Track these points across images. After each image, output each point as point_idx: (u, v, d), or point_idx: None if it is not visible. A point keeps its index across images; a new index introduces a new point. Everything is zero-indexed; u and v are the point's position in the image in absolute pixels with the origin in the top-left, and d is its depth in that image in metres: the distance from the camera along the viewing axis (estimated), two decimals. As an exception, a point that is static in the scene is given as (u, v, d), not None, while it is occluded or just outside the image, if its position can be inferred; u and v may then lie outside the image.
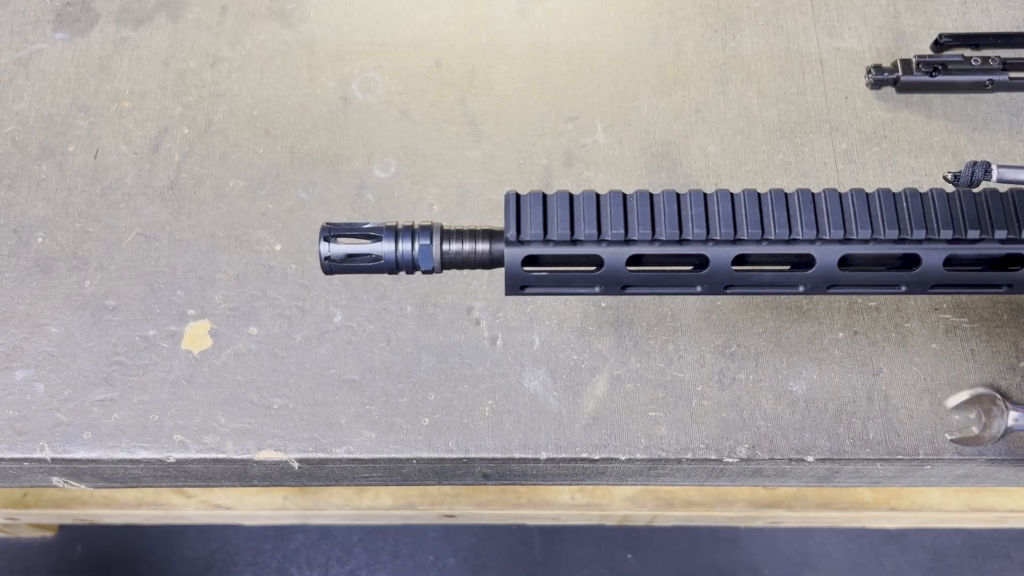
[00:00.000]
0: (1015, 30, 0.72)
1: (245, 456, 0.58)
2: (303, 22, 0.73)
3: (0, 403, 0.59)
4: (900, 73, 0.68)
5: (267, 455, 0.58)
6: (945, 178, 0.48)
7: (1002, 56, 0.68)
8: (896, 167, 0.67)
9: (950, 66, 0.68)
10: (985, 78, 0.68)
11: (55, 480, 0.61)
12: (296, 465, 0.58)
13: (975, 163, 0.46)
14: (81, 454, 0.58)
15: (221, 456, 0.58)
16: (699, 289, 0.39)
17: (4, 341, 0.61)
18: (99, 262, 0.63)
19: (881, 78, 0.68)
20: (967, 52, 0.69)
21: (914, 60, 0.68)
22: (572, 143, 0.68)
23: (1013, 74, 0.68)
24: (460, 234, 0.40)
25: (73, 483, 0.62)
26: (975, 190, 0.39)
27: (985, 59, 0.68)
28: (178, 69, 0.70)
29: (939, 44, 0.70)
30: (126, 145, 0.67)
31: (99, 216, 0.65)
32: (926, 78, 0.68)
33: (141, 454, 0.58)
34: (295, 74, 0.70)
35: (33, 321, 0.61)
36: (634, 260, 0.38)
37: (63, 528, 1.43)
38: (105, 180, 0.66)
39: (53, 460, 0.58)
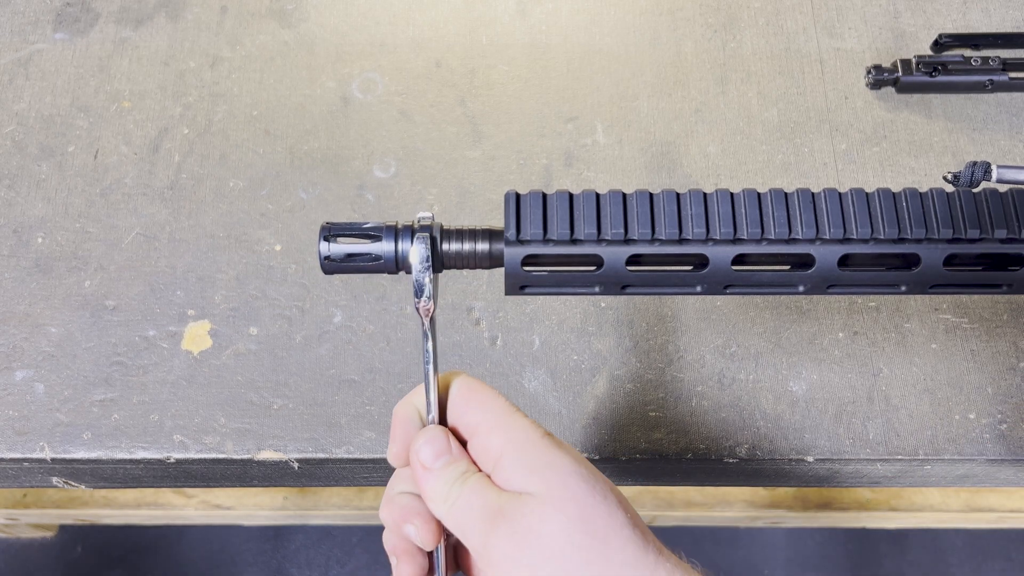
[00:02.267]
0: (1015, 30, 0.72)
1: (245, 456, 0.58)
2: (303, 22, 0.73)
3: (0, 403, 0.59)
4: (900, 73, 0.68)
5: (267, 455, 0.58)
6: (945, 178, 0.48)
7: (1002, 56, 0.68)
8: (896, 167, 0.67)
9: (950, 66, 0.68)
10: (985, 78, 0.68)
11: (55, 480, 0.61)
12: (296, 465, 0.58)
13: (975, 163, 0.46)
14: (81, 454, 0.58)
15: (221, 456, 0.58)
16: (699, 289, 0.39)
17: (4, 341, 0.61)
18: (99, 262, 0.63)
19: (881, 78, 0.68)
20: (967, 52, 0.69)
21: (914, 60, 0.68)
22: (572, 143, 0.68)
23: (1013, 74, 0.68)
24: (460, 234, 0.40)
25: (73, 483, 0.62)
26: (975, 190, 0.39)
27: (985, 59, 0.68)
28: (178, 69, 0.70)
29: (939, 44, 0.70)
30: (126, 145, 0.67)
31: (99, 216, 0.65)
32: (926, 78, 0.68)
33: (141, 454, 0.58)
34: (295, 74, 0.70)
35: (33, 321, 0.61)
36: (634, 260, 0.38)
37: (63, 528, 1.43)
38: (105, 180, 0.66)
39: (53, 460, 0.58)
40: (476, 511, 0.38)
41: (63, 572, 1.41)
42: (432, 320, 0.41)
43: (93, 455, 0.58)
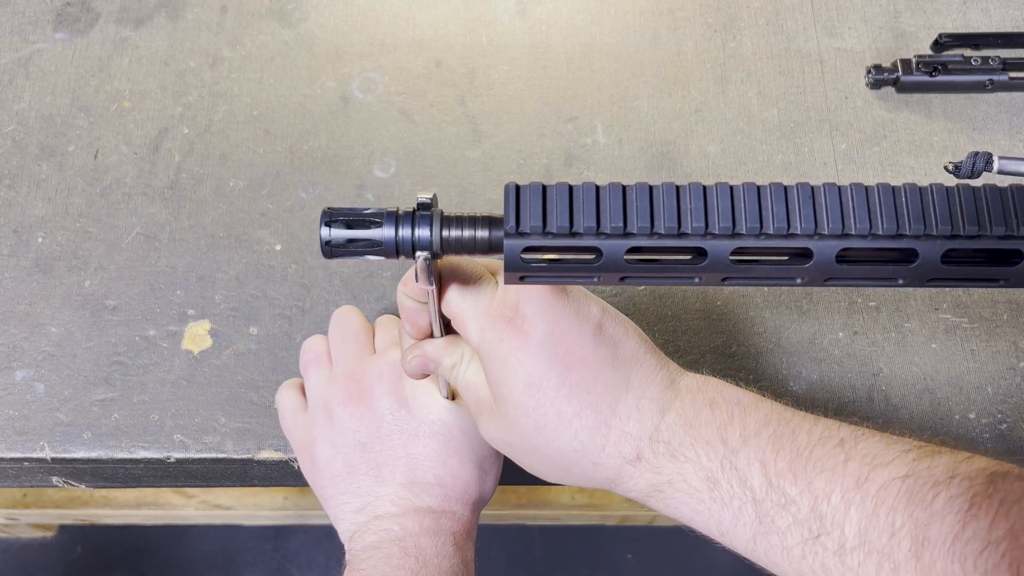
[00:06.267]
0: (1015, 30, 0.72)
1: (245, 456, 0.58)
2: (303, 22, 0.73)
3: (0, 403, 0.59)
4: (900, 73, 0.68)
5: (267, 455, 0.58)
6: (946, 168, 0.48)
7: (1002, 56, 0.68)
8: (896, 167, 0.67)
9: (950, 66, 0.68)
10: (985, 78, 0.68)
11: (55, 480, 0.61)
12: (296, 465, 0.58)
13: (976, 153, 0.46)
14: (81, 454, 0.58)
15: (221, 456, 0.58)
16: (697, 280, 0.39)
17: (4, 341, 0.61)
18: (99, 262, 0.63)
19: (881, 78, 0.68)
20: (967, 52, 0.69)
21: (914, 60, 0.68)
22: (572, 143, 0.68)
23: (1013, 74, 0.68)
24: (460, 220, 0.40)
25: (73, 483, 0.62)
26: (975, 182, 0.39)
27: (985, 59, 0.68)
28: (178, 69, 0.70)
29: (939, 44, 0.70)
30: (126, 145, 0.67)
31: (99, 216, 0.65)
32: (926, 78, 0.68)
33: (141, 454, 0.58)
34: (295, 74, 0.70)
35: (33, 321, 0.61)
36: (633, 251, 0.38)
37: (63, 528, 1.44)
38: (105, 180, 0.66)
39: (53, 460, 0.58)
40: (468, 393, 0.48)
41: (63, 572, 1.41)
42: (432, 299, 0.44)
43: (93, 455, 0.58)
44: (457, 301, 0.45)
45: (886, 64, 0.69)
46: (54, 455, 0.58)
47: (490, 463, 0.53)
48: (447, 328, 0.49)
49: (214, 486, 0.64)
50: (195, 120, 0.68)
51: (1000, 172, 0.46)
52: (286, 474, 0.60)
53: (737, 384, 0.46)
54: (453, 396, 0.54)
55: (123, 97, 0.69)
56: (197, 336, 0.61)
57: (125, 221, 0.65)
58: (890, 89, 0.70)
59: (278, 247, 0.64)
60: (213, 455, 0.58)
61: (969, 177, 0.46)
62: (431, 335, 0.49)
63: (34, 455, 0.58)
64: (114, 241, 0.64)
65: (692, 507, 0.43)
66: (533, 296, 0.43)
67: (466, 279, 0.45)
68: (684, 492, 0.42)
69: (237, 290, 0.63)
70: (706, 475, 0.42)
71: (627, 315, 0.62)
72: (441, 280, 0.45)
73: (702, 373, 0.60)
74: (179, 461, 0.58)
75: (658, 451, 0.43)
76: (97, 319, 0.61)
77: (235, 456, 0.58)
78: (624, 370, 0.44)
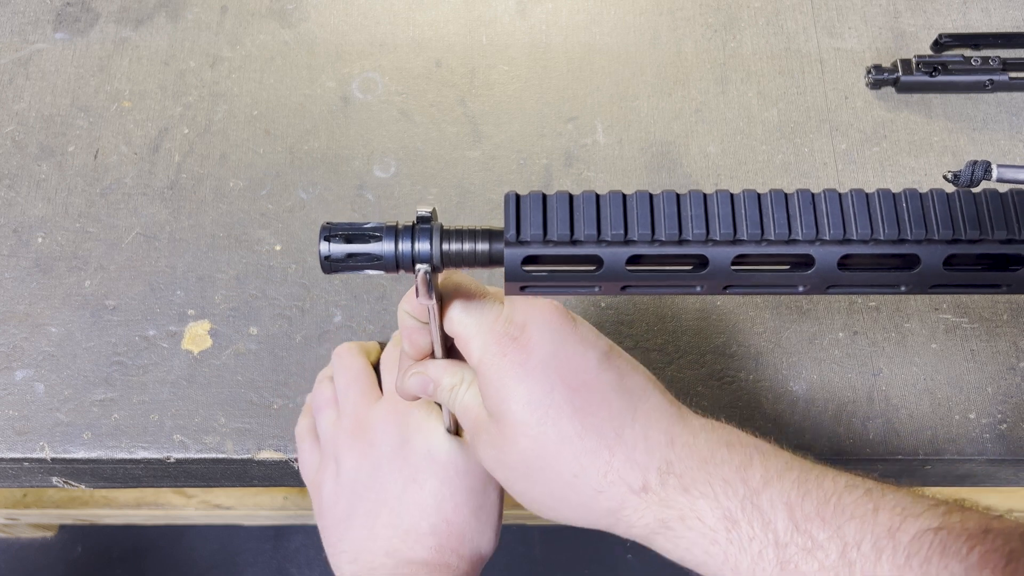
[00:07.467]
0: (1015, 30, 0.72)
1: (245, 456, 0.58)
2: (303, 22, 0.73)
3: (0, 403, 0.59)
4: (900, 73, 0.68)
5: (267, 455, 0.58)
6: (945, 177, 0.48)
7: (1002, 56, 0.68)
8: (896, 167, 0.67)
9: (950, 66, 0.68)
10: (985, 78, 0.68)
11: (55, 480, 0.61)
12: (296, 465, 0.58)
13: (975, 162, 0.46)
14: (81, 454, 0.58)
15: (221, 456, 0.58)
16: (698, 288, 0.39)
17: (4, 341, 0.61)
18: (99, 262, 0.63)
19: (881, 78, 0.68)
20: (967, 52, 0.69)
21: (914, 60, 0.68)
22: (572, 143, 0.68)
23: (1013, 74, 0.68)
24: (460, 234, 0.40)
25: (73, 483, 0.62)
26: (975, 189, 0.39)
27: (985, 59, 0.68)
28: (178, 69, 0.70)
29: (939, 44, 0.70)
30: (126, 145, 0.67)
31: (99, 216, 0.65)
32: (926, 78, 0.68)
33: (141, 454, 0.58)
34: (295, 74, 0.70)
35: (33, 321, 0.61)
36: (633, 260, 0.38)
37: (63, 528, 1.44)
38: (105, 180, 0.66)
39: (53, 460, 0.58)
40: (466, 415, 0.46)
41: (63, 572, 1.41)
42: (433, 316, 0.44)
43: (93, 455, 0.58)
44: (461, 318, 0.44)
45: (886, 64, 0.69)
46: (54, 455, 0.58)
47: (487, 514, 0.52)
48: (448, 351, 0.48)
49: (214, 486, 0.64)
50: (195, 120, 0.68)
51: (999, 180, 0.46)
52: (286, 474, 0.60)
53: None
54: (457, 431, 0.53)
55: (123, 97, 0.69)
56: (197, 336, 0.61)
57: (125, 221, 0.65)
58: (890, 89, 0.70)
59: (278, 247, 0.64)
60: (213, 455, 0.58)
61: (968, 185, 0.46)
62: (431, 356, 0.48)
63: (34, 455, 0.58)
64: (114, 241, 0.64)
65: (705, 548, 0.40)
66: (540, 318, 0.43)
67: (470, 296, 0.44)
68: (697, 531, 0.40)
69: (237, 290, 0.62)
70: (724, 514, 0.40)
71: (628, 314, 0.62)
72: (443, 299, 0.44)
73: (702, 374, 0.60)
74: (179, 461, 0.58)
75: (668, 483, 0.41)
76: (97, 319, 0.61)
77: (235, 456, 0.58)
78: (630, 399, 0.42)
